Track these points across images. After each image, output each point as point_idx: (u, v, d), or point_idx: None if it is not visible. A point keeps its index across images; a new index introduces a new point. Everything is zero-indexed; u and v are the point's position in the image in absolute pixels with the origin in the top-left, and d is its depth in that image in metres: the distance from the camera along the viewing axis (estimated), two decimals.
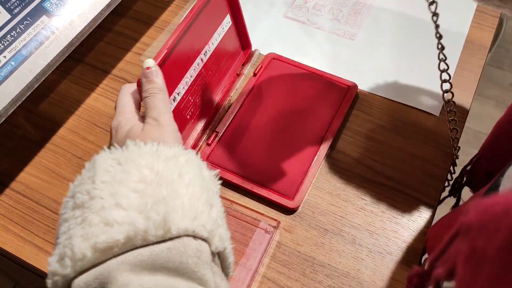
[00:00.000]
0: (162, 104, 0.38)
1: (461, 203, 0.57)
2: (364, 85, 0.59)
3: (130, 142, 0.35)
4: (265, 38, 0.64)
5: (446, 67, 0.48)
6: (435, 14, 0.44)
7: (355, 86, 0.58)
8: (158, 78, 0.40)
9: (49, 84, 0.60)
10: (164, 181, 0.32)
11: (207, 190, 0.34)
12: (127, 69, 0.61)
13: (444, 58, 0.47)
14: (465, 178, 0.55)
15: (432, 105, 0.58)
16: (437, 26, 0.44)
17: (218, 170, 0.36)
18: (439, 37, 0.45)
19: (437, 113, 0.57)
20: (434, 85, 0.59)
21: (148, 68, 0.40)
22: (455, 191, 0.56)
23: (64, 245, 0.30)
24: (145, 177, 0.32)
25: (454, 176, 0.55)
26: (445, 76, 0.48)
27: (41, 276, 0.50)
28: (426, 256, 0.49)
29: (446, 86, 0.48)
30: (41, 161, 0.54)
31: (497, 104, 1.69)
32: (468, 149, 1.57)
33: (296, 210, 0.50)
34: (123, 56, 0.62)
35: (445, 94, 0.49)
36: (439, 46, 0.46)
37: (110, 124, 0.56)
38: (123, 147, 0.34)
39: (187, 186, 0.32)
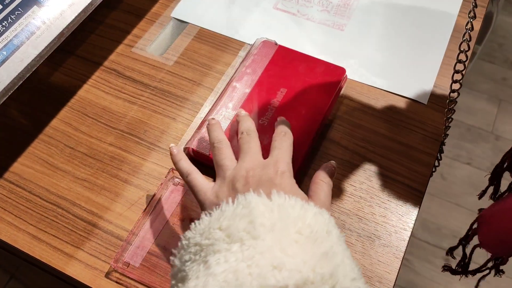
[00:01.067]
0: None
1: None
2: (354, 75, 0.60)
3: (275, 192, 0.37)
4: (256, 30, 0.65)
5: (462, 68, 0.49)
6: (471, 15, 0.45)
7: (343, 70, 0.58)
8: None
9: (41, 76, 0.61)
10: (318, 236, 0.34)
11: (347, 249, 0.36)
12: (118, 61, 0.62)
13: (464, 60, 0.48)
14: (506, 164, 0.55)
15: (420, 94, 0.58)
16: (470, 29, 0.45)
17: (344, 234, 0.39)
18: (468, 39, 0.46)
19: (425, 102, 0.58)
20: (422, 74, 0.60)
21: (334, 168, 0.46)
22: (495, 178, 0.56)
23: (225, 279, 0.31)
24: (301, 229, 0.34)
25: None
26: (457, 76, 0.49)
27: (35, 265, 0.51)
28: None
29: (456, 86, 0.50)
30: (34, 152, 0.55)
31: (489, 98, 1.71)
32: (461, 143, 1.59)
33: None
34: (115, 48, 0.63)
35: (452, 94, 0.50)
36: (461, 47, 0.47)
37: (102, 114, 0.57)
38: (270, 196, 0.37)
39: (336, 244, 0.35)
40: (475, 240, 0.51)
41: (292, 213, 0.35)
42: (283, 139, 0.46)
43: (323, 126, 0.56)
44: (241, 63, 0.60)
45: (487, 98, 1.71)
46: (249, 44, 0.63)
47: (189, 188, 0.45)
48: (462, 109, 1.65)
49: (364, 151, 0.54)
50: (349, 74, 0.60)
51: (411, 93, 0.59)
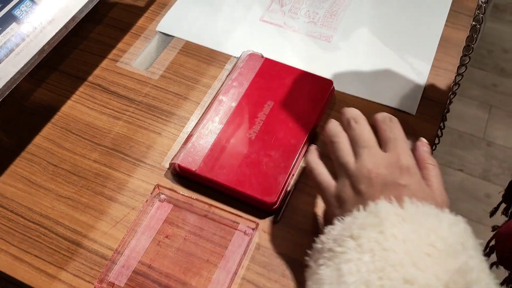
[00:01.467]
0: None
1: None
2: (341, 87, 0.59)
3: (407, 200, 0.36)
4: (242, 42, 0.64)
5: (464, 69, 0.49)
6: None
7: (331, 82, 0.58)
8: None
9: (24, 93, 0.60)
10: (452, 250, 0.33)
11: (483, 261, 0.35)
12: (103, 76, 0.61)
13: (465, 62, 0.48)
14: None
15: (408, 105, 0.58)
16: (477, 33, 0.46)
17: (482, 241, 0.37)
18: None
19: (413, 112, 0.58)
20: (410, 85, 0.60)
21: (429, 144, 0.44)
22: (510, 194, 0.55)
23: None
24: (434, 242, 0.33)
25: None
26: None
27: (19, 286, 0.50)
28: None
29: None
30: (16, 170, 0.53)
31: (480, 105, 1.71)
32: (453, 150, 1.59)
33: (275, 211, 0.50)
34: (99, 63, 0.62)
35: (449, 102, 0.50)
36: (465, 52, 0.47)
37: (87, 130, 0.56)
38: (402, 203, 0.36)
39: (471, 257, 0.34)
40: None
41: (425, 223, 0.34)
42: (393, 126, 0.43)
43: (310, 139, 0.55)
44: (227, 76, 0.60)
45: (478, 104, 1.72)
46: (235, 57, 0.63)
47: (313, 184, 0.45)
48: (453, 115, 1.65)
49: None
50: (337, 85, 0.59)
51: (399, 103, 0.58)
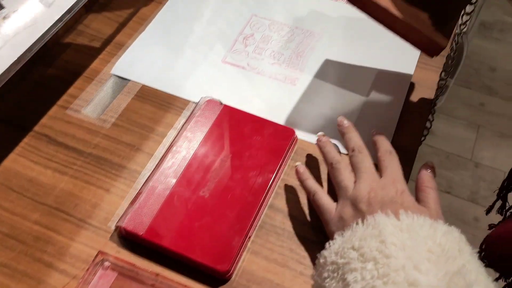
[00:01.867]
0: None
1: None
2: (305, 135, 0.56)
3: (403, 212, 0.39)
4: (203, 86, 0.60)
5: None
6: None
7: (292, 132, 0.54)
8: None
9: None
10: (450, 255, 0.35)
11: (481, 266, 0.37)
12: (50, 125, 0.57)
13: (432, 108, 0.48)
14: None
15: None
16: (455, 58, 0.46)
17: (477, 250, 0.38)
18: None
19: None
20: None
21: (434, 168, 0.47)
22: (504, 190, 0.56)
23: None
24: (431, 248, 0.36)
25: None
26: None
27: None
28: None
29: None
30: None
31: (468, 124, 1.69)
32: (440, 171, 1.56)
33: (229, 280, 0.46)
34: (47, 110, 0.58)
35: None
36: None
37: (29, 187, 0.52)
38: (399, 216, 0.38)
39: (469, 261, 0.36)
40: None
41: (421, 232, 0.37)
42: (391, 158, 0.47)
43: (270, 194, 0.51)
44: (183, 125, 0.56)
45: (465, 124, 1.69)
46: (194, 102, 0.59)
47: (314, 207, 0.48)
48: (440, 136, 1.62)
49: (316, 221, 0.50)
50: (300, 134, 0.55)
51: None
